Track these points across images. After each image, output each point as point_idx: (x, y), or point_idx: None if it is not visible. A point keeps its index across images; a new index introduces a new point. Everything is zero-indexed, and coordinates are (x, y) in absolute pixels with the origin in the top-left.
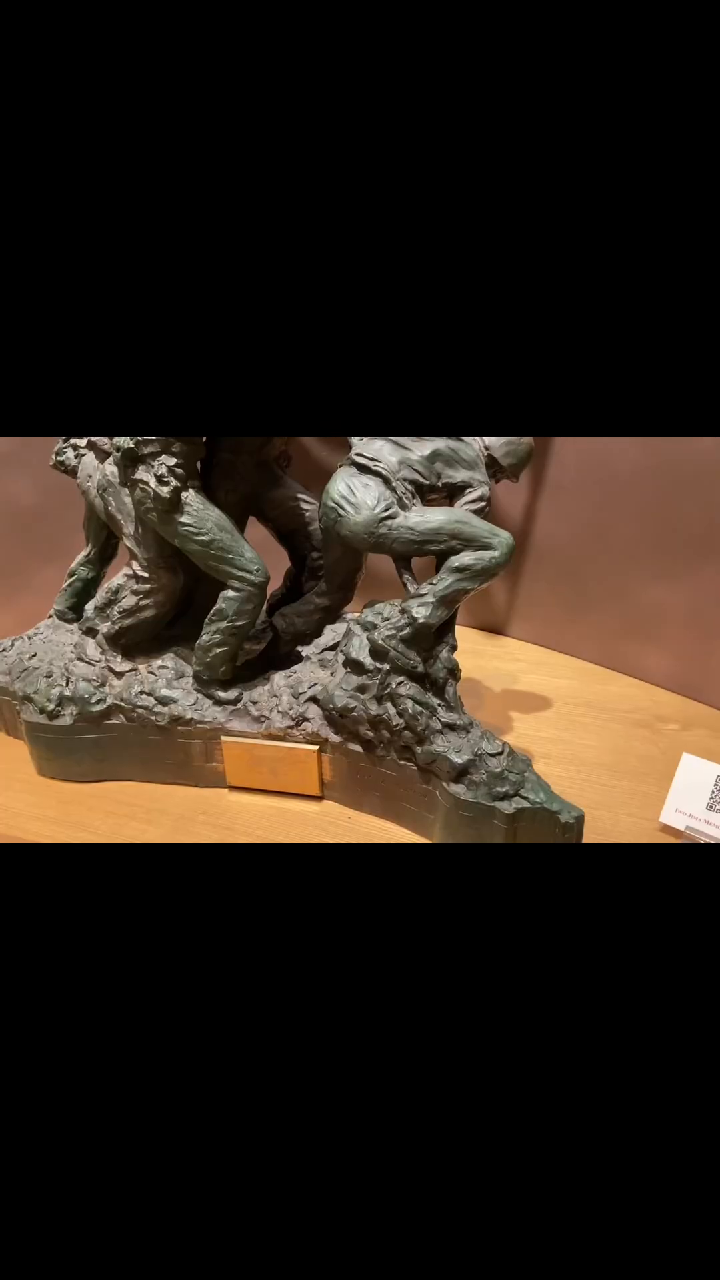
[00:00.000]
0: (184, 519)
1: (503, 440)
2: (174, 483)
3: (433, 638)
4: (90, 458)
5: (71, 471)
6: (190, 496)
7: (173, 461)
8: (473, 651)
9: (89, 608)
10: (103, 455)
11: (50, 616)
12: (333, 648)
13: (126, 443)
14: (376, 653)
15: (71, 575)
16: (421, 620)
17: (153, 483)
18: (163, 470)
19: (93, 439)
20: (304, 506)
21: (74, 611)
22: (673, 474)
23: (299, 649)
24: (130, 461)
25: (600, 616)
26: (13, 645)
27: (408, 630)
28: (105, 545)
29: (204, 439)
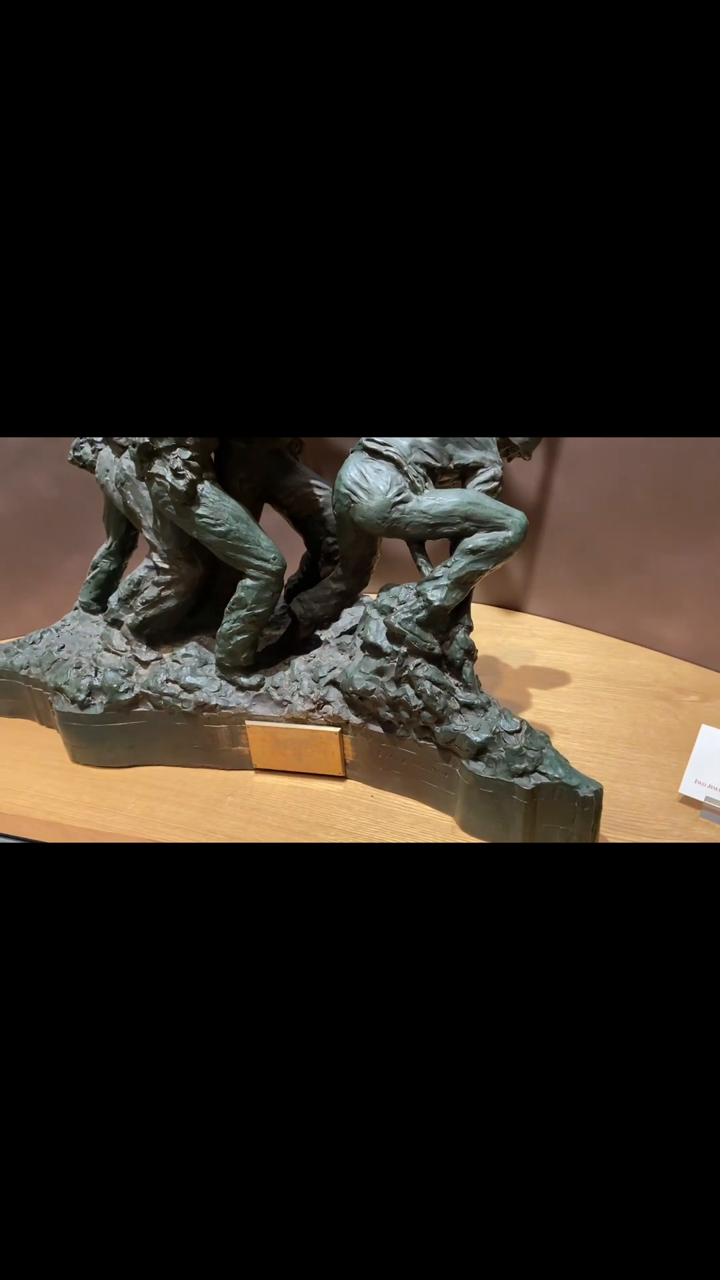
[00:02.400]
0: (201, 511)
1: None
2: (189, 476)
3: (449, 619)
4: (107, 452)
5: (89, 466)
6: (206, 489)
7: (187, 455)
8: (490, 629)
9: (113, 600)
10: (119, 449)
11: (75, 608)
12: (350, 631)
13: (141, 438)
14: (393, 636)
15: (94, 567)
16: (436, 603)
17: (169, 476)
18: (178, 464)
19: None
20: (317, 492)
21: (98, 603)
22: (686, 440)
23: (317, 634)
24: (146, 456)
25: (618, 590)
26: (41, 638)
27: (423, 613)
28: (125, 537)
29: None
